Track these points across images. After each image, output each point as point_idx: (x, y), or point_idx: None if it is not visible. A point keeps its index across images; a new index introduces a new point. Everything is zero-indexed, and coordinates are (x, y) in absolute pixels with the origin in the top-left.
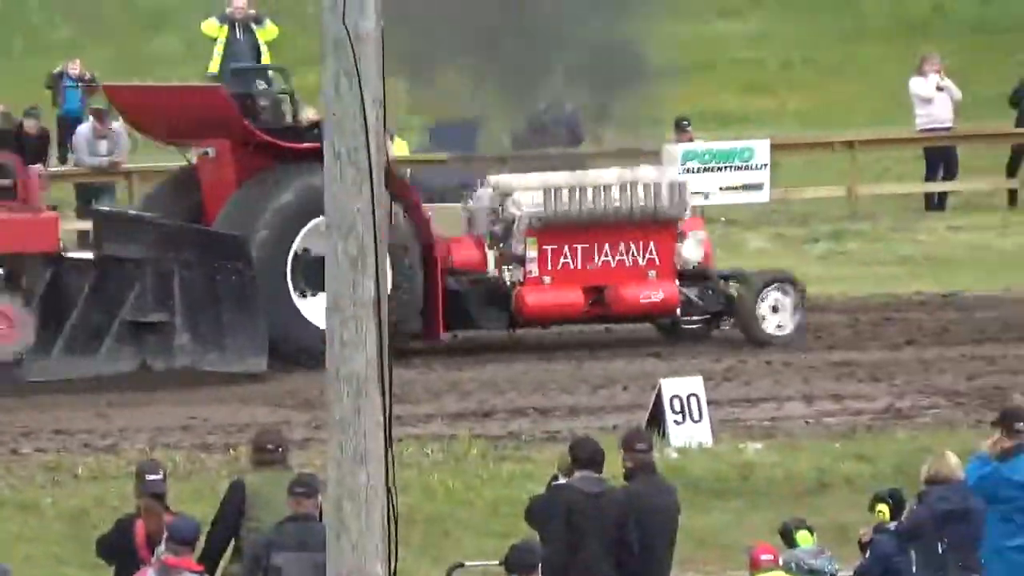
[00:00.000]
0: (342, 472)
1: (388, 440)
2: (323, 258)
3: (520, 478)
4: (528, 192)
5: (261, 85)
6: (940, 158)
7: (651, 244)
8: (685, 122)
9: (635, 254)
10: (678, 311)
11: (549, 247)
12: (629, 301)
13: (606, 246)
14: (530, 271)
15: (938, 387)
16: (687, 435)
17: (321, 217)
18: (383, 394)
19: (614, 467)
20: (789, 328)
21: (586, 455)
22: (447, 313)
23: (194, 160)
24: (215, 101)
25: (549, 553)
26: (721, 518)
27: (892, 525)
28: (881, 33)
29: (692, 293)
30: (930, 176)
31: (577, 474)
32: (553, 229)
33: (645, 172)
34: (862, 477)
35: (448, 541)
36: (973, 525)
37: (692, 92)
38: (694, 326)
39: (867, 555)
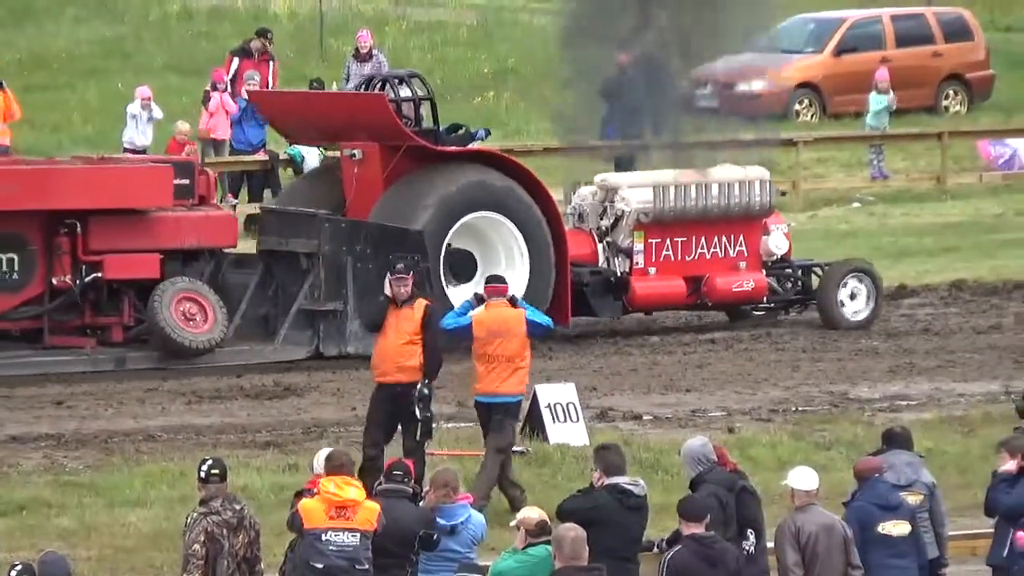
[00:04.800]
0: None
1: None
2: (468, 252)
3: None
4: (636, 189)
5: (404, 91)
6: None
7: (741, 237)
8: None
9: (727, 246)
10: (765, 299)
11: (654, 240)
12: (723, 290)
13: (703, 239)
14: (636, 263)
15: None
16: None
17: (471, 215)
18: None
19: None
20: (865, 314)
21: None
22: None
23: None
24: (377, 108)
25: None
26: None
27: None
28: None
29: (774, 282)
30: None
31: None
32: (658, 224)
33: (738, 171)
34: None
35: None
36: None
37: None
38: (761, 312)
39: None
